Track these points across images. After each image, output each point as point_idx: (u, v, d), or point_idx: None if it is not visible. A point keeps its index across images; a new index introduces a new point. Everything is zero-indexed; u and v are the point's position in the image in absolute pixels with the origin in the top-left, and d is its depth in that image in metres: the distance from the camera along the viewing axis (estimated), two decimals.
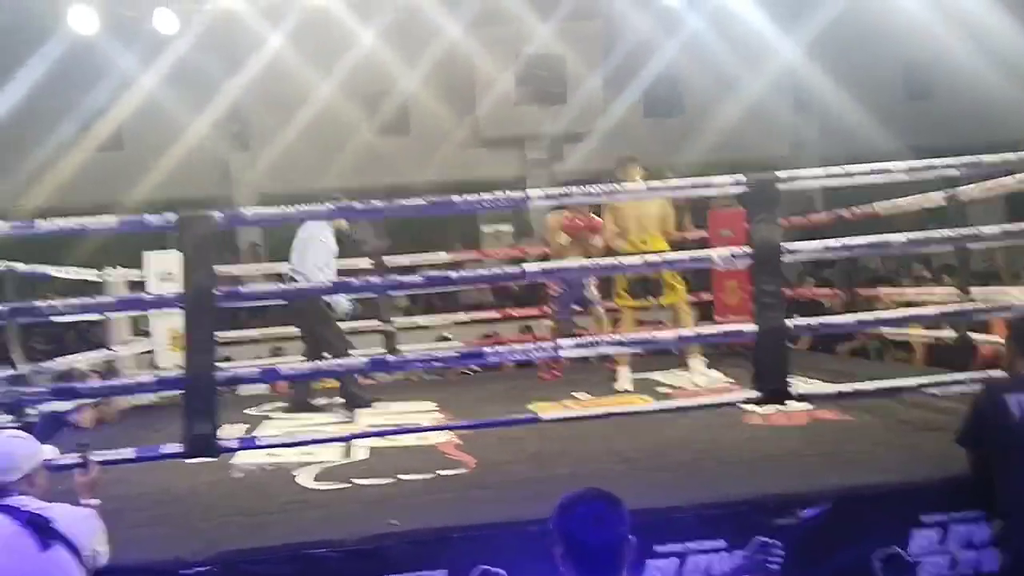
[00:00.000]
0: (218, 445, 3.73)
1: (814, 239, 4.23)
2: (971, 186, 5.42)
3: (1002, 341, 4.01)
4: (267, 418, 6.19)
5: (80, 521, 2.85)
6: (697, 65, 13.78)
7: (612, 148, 14.03)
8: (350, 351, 5.99)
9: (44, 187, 12.66)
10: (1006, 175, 4.81)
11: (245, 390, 8.92)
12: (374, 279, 4.72)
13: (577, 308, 7.11)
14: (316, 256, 6.08)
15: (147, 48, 12.50)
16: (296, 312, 6.27)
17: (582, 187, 3.90)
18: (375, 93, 14.40)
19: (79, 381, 5.34)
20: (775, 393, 3.96)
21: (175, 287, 4.43)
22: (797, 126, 14.77)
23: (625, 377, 6.30)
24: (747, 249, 3.95)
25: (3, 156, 12.76)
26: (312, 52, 12.97)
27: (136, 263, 7.75)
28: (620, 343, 4.23)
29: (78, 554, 2.75)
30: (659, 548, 3.34)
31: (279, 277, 6.75)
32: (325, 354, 5.92)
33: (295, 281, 6.13)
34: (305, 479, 4.26)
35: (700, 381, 6.21)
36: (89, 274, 6.92)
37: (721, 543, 3.36)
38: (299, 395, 6.41)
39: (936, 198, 5.72)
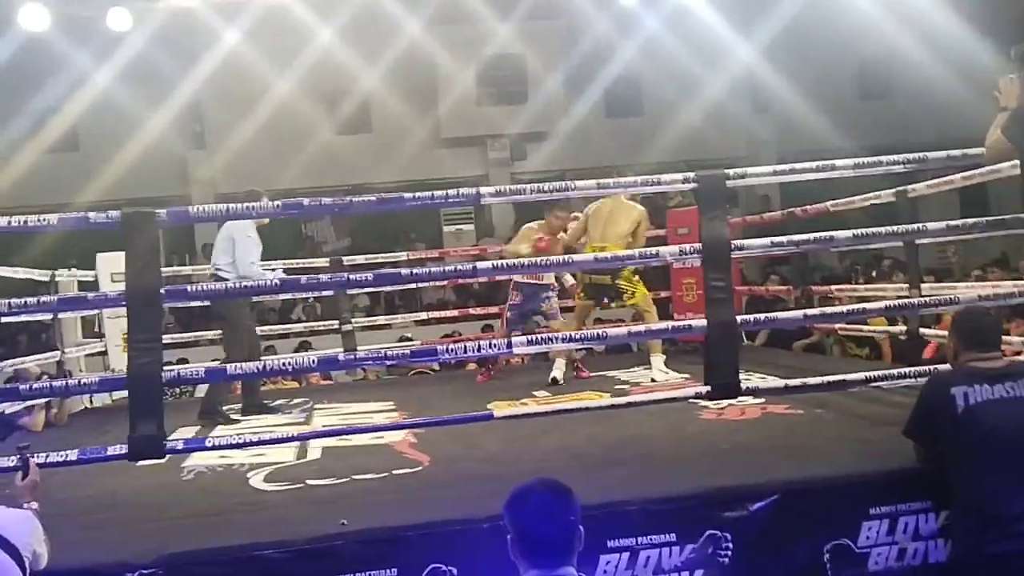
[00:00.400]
0: (163, 446, 3.67)
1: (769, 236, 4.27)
2: (921, 184, 5.50)
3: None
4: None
5: (18, 523, 2.80)
6: (656, 66, 13.82)
7: (574, 148, 14.13)
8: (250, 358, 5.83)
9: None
10: (957, 172, 4.87)
11: (201, 392, 8.84)
12: (324, 277, 4.65)
13: (537, 320, 7.15)
14: (246, 252, 5.88)
15: (101, 46, 12.31)
16: (216, 314, 6.21)
17: (536, 186, 3.89)
18: (334, 91, 14.28)
19: (28, 382, 5.23)
20: (726, 388, 3.98)
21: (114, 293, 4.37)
22: (755, 126, 14.88)
23: (560, 367, 6.48)
24: (697, 246, 3.97)
25: None
26: (270, 49, 12.83)
27: (91, 265, 7.65)
28: (572, 339, 4.22)
29: (17, 556, 2.69)
30: (610, 543, 3.33)
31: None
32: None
33: (223, 280, 5.89)
34: (257, 480, 4.22)
35: (658, 377, 6.26)
36: (39, 275, 6.79)
37: (671, 537, 3.35)
38: (250, 397, 6.33)
39: (885, 195, 5.80)
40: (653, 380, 6.25)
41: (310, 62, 12.93)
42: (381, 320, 10.00)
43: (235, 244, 5.84)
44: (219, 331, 6.42)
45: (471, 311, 9.88)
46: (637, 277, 6.51)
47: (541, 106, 14.25)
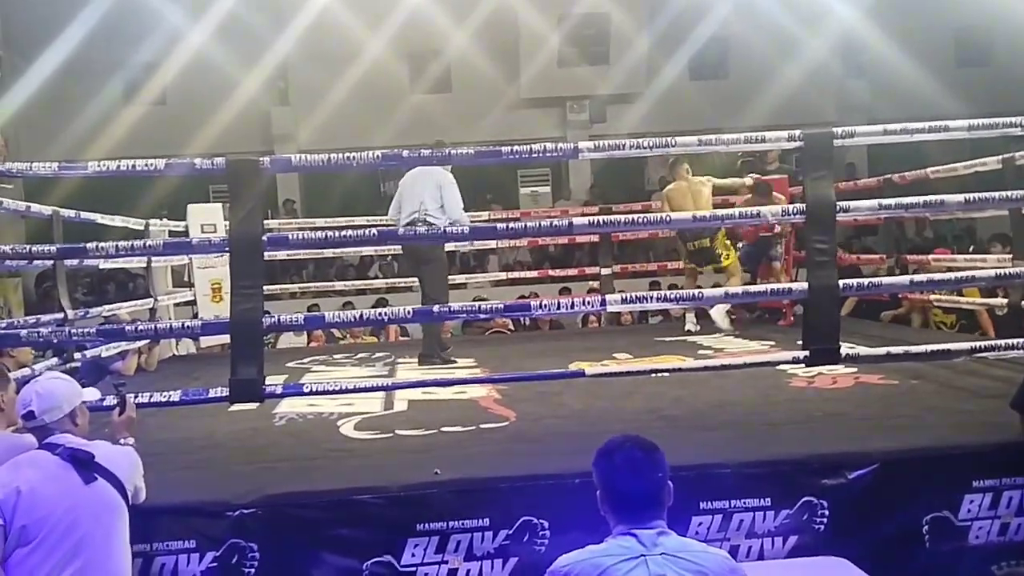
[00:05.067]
0: (263, 390, 3.73)
1: None
2: None
3: None
4: (308, 371, 6.24)
5: (121, 457, 2.89)
6: (747, 26, 13.49)
7: (656, 111, 13.88)
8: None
9: (90, 145, 12.69)
10: None
11: (284, 343, 9.03)
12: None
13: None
14: (456, 200, 6.14)
15: (192, 3, 12.47)
16: (412, 255, 6.48)
17: (635, 141, 3.83)
18: (419, 51, 14.28)
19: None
20: (825, 354, 3.89)
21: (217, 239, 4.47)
22: (846, 92, 14.44)
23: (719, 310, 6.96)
24: (801, 206, 3.87)
25: (50, 114, 12.82)
26: (357, 8, 12.85)
27: (181, 216, 7.81)
28: (667, 299, 4.16)
29: (120, 488, 2.78)
30: (703, 505, 3.30)
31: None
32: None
33: (431, 225, 6.03)
34: (347, 428, 4.28)
35: (717, 319, 6.73)
36: (134, 223, 6.96)
37: (767, 502, 3.31)
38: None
39: (991, 162, 5.58)
40: (717, 326, 6.74)
41: (396, 22, 12.91)
42: (459, 279, 10.03)
43: (443, 191, 6.10)
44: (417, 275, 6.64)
45: (549, 273, 9.86)
46: (729, 242, 6.95)
47: (624, 68, 14.00)
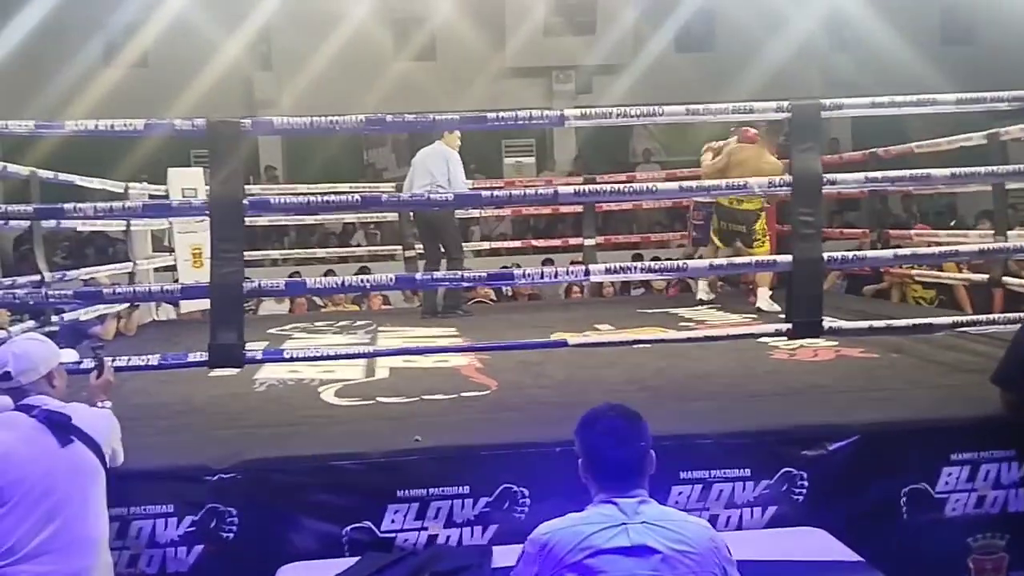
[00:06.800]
0: (243, 355, 3.70)
1: None
2: (1015, 127, 5.27)
3: None
4: (289, 338, 6.21)
5: (98, 419, 2.87)
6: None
7: (642, 83, 13.79)
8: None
9: (69, 108, 12.47)
10: None
11: (265, 311, 8.97)
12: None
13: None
14: (462, 174, 6.80)
15: None
16: (426, 222, 7.04)
17: (622, 109, 3.79)
18: (403, 18, 14.12)
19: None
20: (809, 326, 3.89)
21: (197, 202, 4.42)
22: (831, 68, 14.38)
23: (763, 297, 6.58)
24: (788, 179, 3.85)
25: (27, 75, 12.59)
26: None
27: (162, 180, 7.71)
28: (650, 270, 4.15)
29: (98, 451, 2.75)
30: (683, 474, 3.31)
31: None
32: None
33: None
34: (328, 395, 4.26)
35: (764, 307, 6.40)
36: (113, 185, 6.86)
37: (746, 472, 3.33)
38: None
39: (976, 138, 5.58)
40: (759, 309, 6.39)
41: None
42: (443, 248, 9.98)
43: (450, 166, 6.74)
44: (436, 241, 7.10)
45: (532, 243, 9.83)
46: (766, 230, 6.72)
47: (610, 38, 13.90)
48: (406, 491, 3.20)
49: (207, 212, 3.67)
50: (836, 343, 4.88)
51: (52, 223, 5.58)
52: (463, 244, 7.47)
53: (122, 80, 13.22)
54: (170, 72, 13.00)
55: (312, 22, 13.09)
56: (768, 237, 6.75)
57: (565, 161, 14.40)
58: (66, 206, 3.77)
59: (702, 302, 7.15)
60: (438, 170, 6.76)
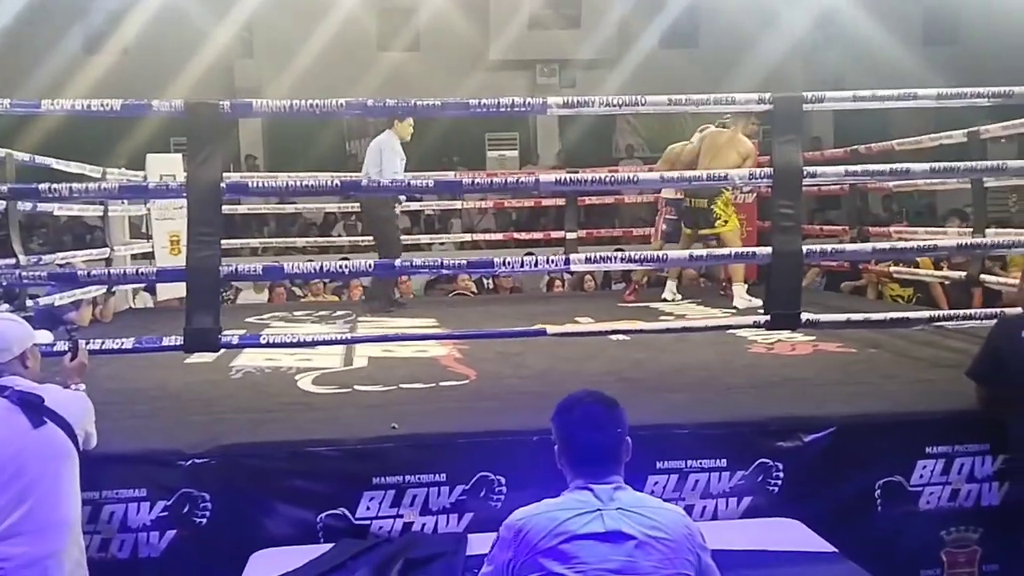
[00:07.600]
0: (219, 340, 3.67)
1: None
2: (996, 125, 5.31)
3: (1014, 282, 3.96)
4: (267, 326, 6.17)
5: (72, 401, 2.83)
6: None
7: (628, 78, 13.79)
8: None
9: (49, 95, 12.30)
10: None
11: (244, 300, 8.93)
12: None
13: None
14: (391, 163, 6.50)
15: None
16: (366, 214, 7.01)
17: (605, 99, 3.78)
18: (389, 8, 14.05)
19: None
20: (786, 319, 3.90)
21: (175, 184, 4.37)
22: (813, 67, 14.45)
23: (739, 294, 6.46)
24: (768, 171, 3.86)
25: (7, 63, 12.44)
26: None
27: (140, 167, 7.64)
28: (630, 260, 4.14)
29: (71, 433, 2.72)
30: (659, 464, 3.31)
31: None
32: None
33: None
34: (305, 383, 4.23)
35: (740, 305, 6.26)
36: (91, 170, 6.79)
37: (722, 463, 3.33)
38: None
39: (957, 135, 5.61)
40: (736, 308, 6.23)
41: None
42: (424, 240, 9.97)
43: (383, 152, 6.53)
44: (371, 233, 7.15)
45: (514, 236, 9.81)
46: (732, 208, 6.58)
47: (596, 32, 13.90)
48: (382, 478, 3.18)
49: (184, 194, 3.64)
50: (814, 337, 4.91)
51: (28, 206, 5.52)
52: (401, 238, 7.26)
53: (104, 69, 13.08)
54: (153, 60, 12.87)
55: (296, 9, 13.00)
56: (733, 213, 6.62)
57: (548, 156, 14.39)
58: (41, 186, 3.72)
59: (666, 301, 6.92)
60: (371, 160, 6.66)
